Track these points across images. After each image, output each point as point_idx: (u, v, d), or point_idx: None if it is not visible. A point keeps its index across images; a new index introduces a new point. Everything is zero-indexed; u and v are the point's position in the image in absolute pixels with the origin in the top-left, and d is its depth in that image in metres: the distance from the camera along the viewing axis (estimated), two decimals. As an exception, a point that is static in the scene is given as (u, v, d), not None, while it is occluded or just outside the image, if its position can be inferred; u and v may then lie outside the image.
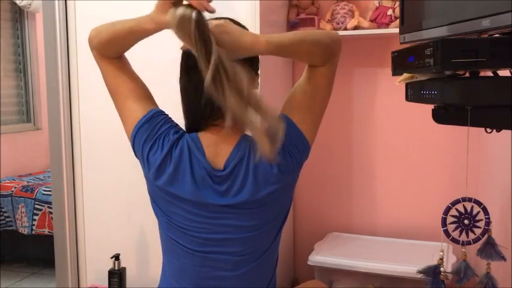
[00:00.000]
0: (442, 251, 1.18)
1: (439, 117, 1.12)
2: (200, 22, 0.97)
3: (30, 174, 3.77)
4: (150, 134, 1.11)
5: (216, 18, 1.07)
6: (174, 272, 1.17)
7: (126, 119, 1.17)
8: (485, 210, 1.12)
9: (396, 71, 1.14)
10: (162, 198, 1.11)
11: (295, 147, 1.11)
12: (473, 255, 1.17)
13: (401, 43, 1.17)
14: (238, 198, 1.07)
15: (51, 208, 2.94)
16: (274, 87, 2.17)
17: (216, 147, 1.10)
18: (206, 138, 1.11)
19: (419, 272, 1.20)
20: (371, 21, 2.25)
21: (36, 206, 3.18)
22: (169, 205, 1.11)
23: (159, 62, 1.86)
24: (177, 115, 1.18)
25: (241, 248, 1.09)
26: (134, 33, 1.11)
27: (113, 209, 2.09)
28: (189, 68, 1.08)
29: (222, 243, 1.09)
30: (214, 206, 1.08)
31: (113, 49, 1.16)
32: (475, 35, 0.92)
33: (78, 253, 2.17)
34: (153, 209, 1.17)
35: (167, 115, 1.17)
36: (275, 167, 1.08)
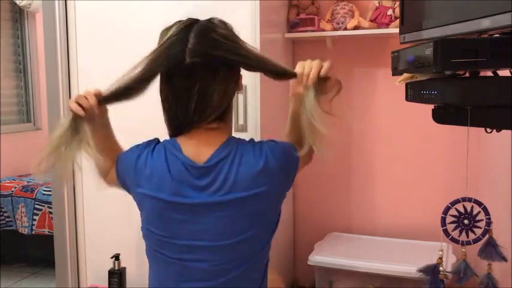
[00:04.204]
0: (442, 250, 1.18)
1: (439, 117, 1.12)
2: None
3: (30, 174, 3.77)
4: (130, 172, 1.12)
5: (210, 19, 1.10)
6: (154, 280, 1.14)
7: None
8: (485, 211, 1.12)
9: (396, 71, 1.14)
10: (147, 208, 1.09)
11: (285, 156, 1.09)
12: (473, 255, 1.17)
13: (401, 43, 1.17)
14: (218, 196, 1.03)
15: (51, 208, 2.94)
16: (274, 87, 2.17)
17: (197, 147, 1.07)
18: (186, 140, 1.09)
19: (419, 270, 1.20)
20: (371, 21, 2.25)
21: (36, 206, 3.17)
22: (152, 215, 1.08)
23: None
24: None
25: (218, 257, 1.05)
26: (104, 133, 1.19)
27: (113, 209, 2.09)
28: (169, 77, 1.05)
29: (199, 250, 1.05)
30: (193, 206, 1.03)
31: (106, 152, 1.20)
32: (475, 35, 0.92)
33: (78, 253, 2.17)
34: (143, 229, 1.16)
35: (129, 151, 1.16)
36: (261, 164, 1.04)
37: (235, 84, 1.10)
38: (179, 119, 1.07)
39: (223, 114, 1.09)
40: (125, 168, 1.12)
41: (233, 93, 1.11)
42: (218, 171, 1.03)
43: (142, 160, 1.08)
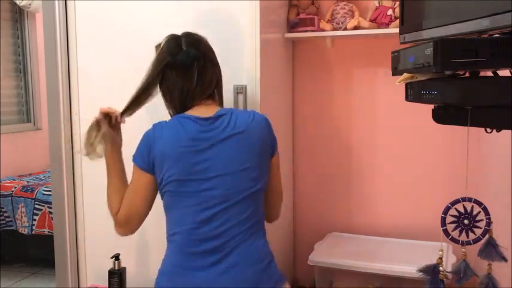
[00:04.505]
0: (442, 250, 1.18)
1: (439, 117, 1.12)
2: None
3: (30, 174, 3.78)
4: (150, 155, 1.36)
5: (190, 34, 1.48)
6: (174, 221, 1.37)
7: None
8: (485, 211, 1.12)
9: (396, 71, 1.14)
10: (168, 158, 1.33)
11: (268, 123, 1.46)
12: (473, 255, 1.17)
13: (401, 43, 1.17)
14: (222, 135, 1.36)
15: (51, 208, 2.95)
16: (275, 84, 2.17)
17: (201, 113, 1.39)
18: (190, 111, 1.41)
19: (419, 270, 1.20)
20: (371, 21, 2.25)
21: (36, 206, 3.18)
22: (173, 163, 1.33)
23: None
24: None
25: (228, 182, 1.34)
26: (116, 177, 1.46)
27: (113, 209, 2.09)
28: (173, 65, 1.40)
29: (214, 179, 1.34)
30: (205, 148, 1.34)
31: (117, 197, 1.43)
32: (475, 35, 0.92)
33: (78, 253, 2.17)
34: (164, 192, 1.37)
35: (140, 147, 1.39)
36: (251, 118, 1.41)
37: (215, 70, 1.47)
38: (184, 94, 1.40)
39: (213, 94, 1.47)
40: (146, 147, 1.36)
41: (215, 76, 1.47)
42: (221, 121, 1.38)
43: (158, 131, 1.36)
